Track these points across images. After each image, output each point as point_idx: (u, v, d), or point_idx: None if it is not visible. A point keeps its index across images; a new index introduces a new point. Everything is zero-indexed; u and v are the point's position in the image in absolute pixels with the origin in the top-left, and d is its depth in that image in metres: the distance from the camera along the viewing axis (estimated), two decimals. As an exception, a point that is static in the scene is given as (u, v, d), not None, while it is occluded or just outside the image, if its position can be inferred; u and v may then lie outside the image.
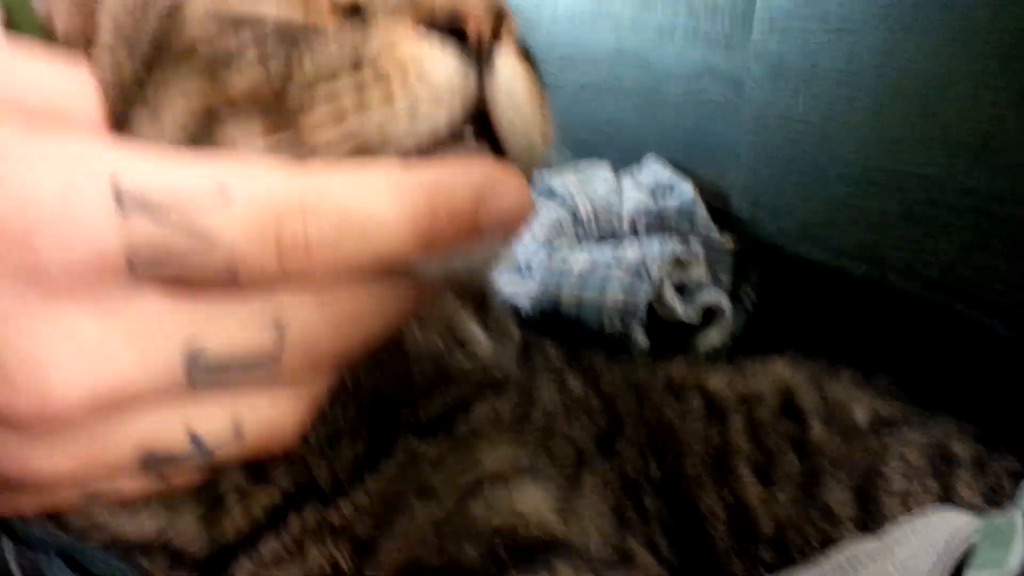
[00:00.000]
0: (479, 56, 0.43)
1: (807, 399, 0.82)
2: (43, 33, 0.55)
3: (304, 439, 0.51)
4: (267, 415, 0.42)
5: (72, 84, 0.43)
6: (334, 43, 0.44)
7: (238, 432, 0.41)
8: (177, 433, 0.39)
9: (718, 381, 0.84)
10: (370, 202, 0.38)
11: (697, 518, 0.73)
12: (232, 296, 0.38)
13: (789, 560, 0.72)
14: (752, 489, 0.75)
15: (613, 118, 1.34)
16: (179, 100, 0.46)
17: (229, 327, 0.38)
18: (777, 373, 0.86)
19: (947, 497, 0.74)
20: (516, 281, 1.03)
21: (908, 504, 0.74)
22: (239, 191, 0.36)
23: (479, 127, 0.43)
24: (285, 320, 0.39)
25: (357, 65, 0.42)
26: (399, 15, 0.44)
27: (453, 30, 0.43)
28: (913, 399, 0.83)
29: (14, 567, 0.52)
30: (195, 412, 0.39)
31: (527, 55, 0.58)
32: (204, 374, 0.38)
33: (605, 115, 1.35)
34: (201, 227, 0.35)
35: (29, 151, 0.34)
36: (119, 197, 0.34)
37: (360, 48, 0.43)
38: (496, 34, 0.44)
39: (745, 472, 0.75)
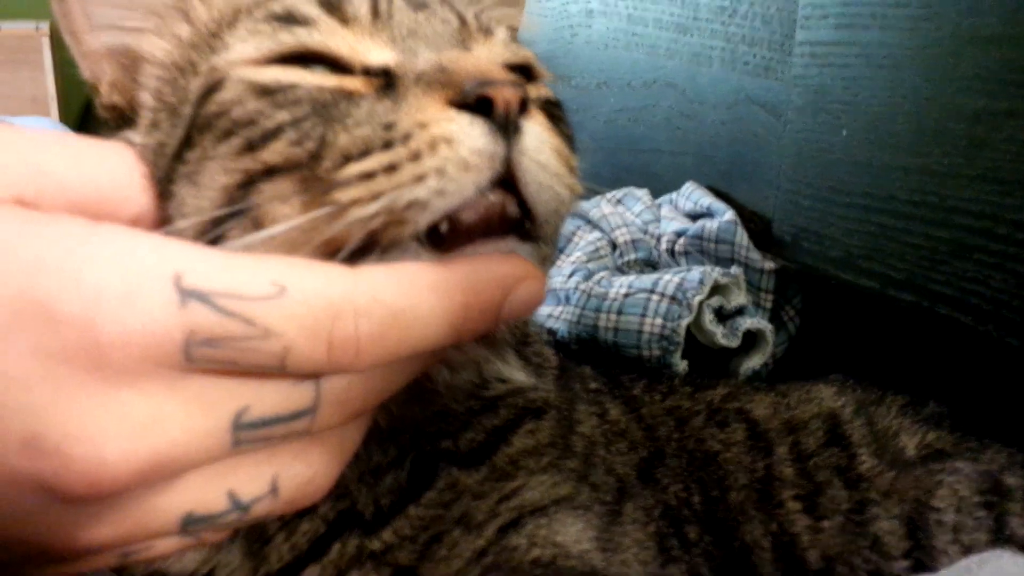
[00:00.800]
0: (507, 127, 0.44)
1: (854, 428, 0.81)
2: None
3: (345, 472, 0.51)
4: (302, 471, 0.43)
5: (122, 169, 0.45)
6: (367, 121, 0.46)
7: (275, 489, 0.42)
8: (218, 495, 0.40)
9: (762, 409, 0.83)
10: (415, 302, 0.41)
11: (742, 549, 0.72)
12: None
13: (838, 593, 0.70)
14: (798, 520, 0.73)
15: (650, 144, 1.33)
16: (220, 173, 0.48)
17: (271, 390, 0.40)
18: (822, 400, 0.85)
19: (999, 529, 0.72)
20: (553, 306, 1.02)
21: (959, 537, 0.72)
22: (295, 287, 0.38)
23: (507, 188, 0.45)
24: (322, 378, 0.41)
25: (389, 144, 0.44)
26: (429, 90, 0.46)
27: (481, 105, 0.44)
28: (962, 428, 0.81)
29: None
30: (234, 473, 0.41)
31: (556, 110, 0.59)
32: (247, 435, 0.39)
33: (641, 141, 1.35)
34: (256, 317, 0.37)
35: (96, 245, 0.36)
36: (181, 289, 0.36)
37: (392, 127, 0.45)
38: (523, 106, 0.45)
39: (791, 502, 0.74)
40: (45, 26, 4.13)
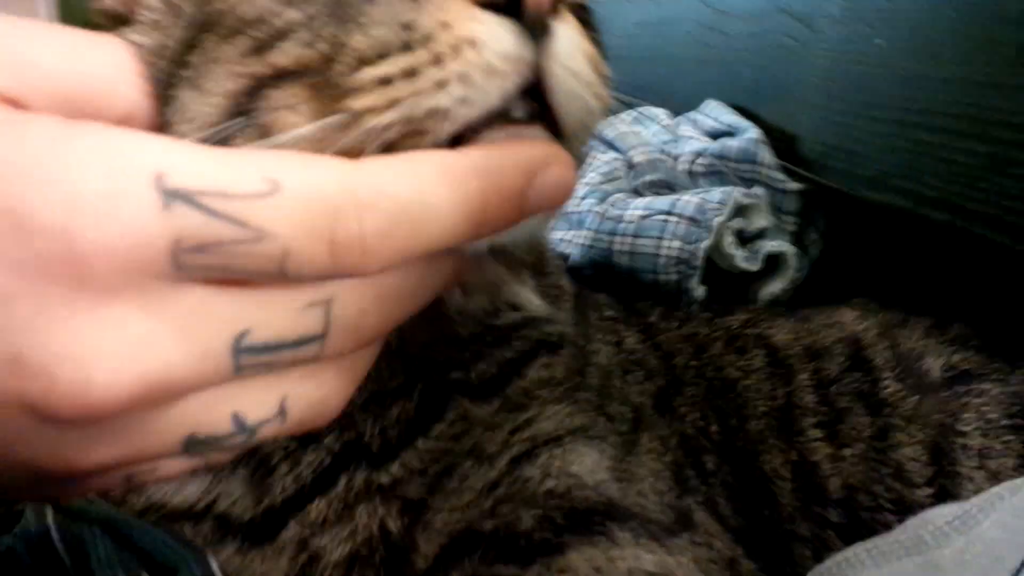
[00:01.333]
0: (536, 30, 0.41)
1: (877, 352, 0.78)
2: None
3: (352, 399, 0.50)
4: (311, 393, 0.40)
5: (114, 62, 0.42)
6: (384, 20, 0.42)
7: (282, 412, 0.39)
8: (221, 416, 0.38)
9: (783, 335, 0.81)
10: (424, 193, 0.37)
11: (761, 479, 0.70)
12: (279, 286, 0.37)
13: (859, 522, 0.69)
14: (819, 448, 0.72)
15: (670, 59, 1.28)
16: (225, 78, 0.45)
17: (276, 312, 0.37)
18: (845, 324, 0.82)
19: (1029, 454, 0.70)
20: (565, 231, 0.99)
21: (986, 463, 0.70)
22: (290, 183, 0.35)
23: (533, 96, 0.41)
24: (331, 300, 0.38)
25: (408, 47, 0.41)
26: None
27: (510, 5, 0.40)
28: (991, 351, 0.78)
29: (56, 537, 0.52)
30: (239, 395, 0.38)
31: (585, 14, 0.55)
32: (250, 360, 0.36)
33: (662, 55, 1.30)
34: (249, 218, 0.34)
35: (71, 147, 0.33)
36: (163, 190, 0.33)
37: (412, 27, 0.41)
38: (555, 7, 0.41)
39: (812, 430, 0.72)
40: None
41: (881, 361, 0.77)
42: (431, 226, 0.37)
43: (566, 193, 0.42)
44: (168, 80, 0.46)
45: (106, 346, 0.33)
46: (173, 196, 0.33)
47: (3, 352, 0.32)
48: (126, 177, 0.33)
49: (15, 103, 0.36)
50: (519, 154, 0.40)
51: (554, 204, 0.42)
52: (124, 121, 0.42)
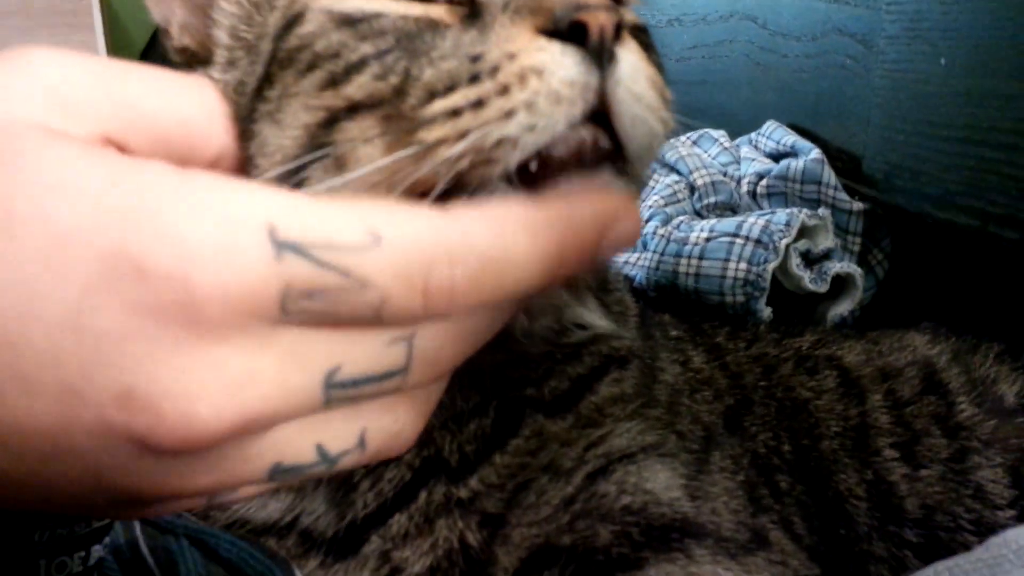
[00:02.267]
0: (600, 56, 0.42)
1: (951, 376, 0.78)
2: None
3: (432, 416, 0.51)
4: (389, 425, 0.42)
5: (205, 104, 0.44)
6: (452, 53, 0.44)
7: (362, 443, 0.41)
8: (306, 447, 0.40)
9: (853, 356, 0.80)
10: (510, 245, 0.39)
11: (835, 499, 0.69)
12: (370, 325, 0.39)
13: (937, 542, 0.68)
14: (896, 468, 0.71)
15: (726, 81, 1.28)
16: (301, 111, 0.46)
17: (364, 349, 0.38)
18: (916, 347, 0.82)
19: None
20: (630, 252, 1.00)
21: (1068, 487, 0.69)
22: (390, 235, 0.36)
23: (598, 121, 0.43)
24: (413, 336, 0.39)
25: (475, 78, 0.42)
26: (518, 17, 0.43)
27: (574, 33, 0.42)
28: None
29: (144, 549, 0.54)
30: (323, 427, 0.40)
31: (645, 36, 0.56)
32: (339, 394, 0.38)
33: (717, 78, 1.30)
34: (353, 268, 0.36)
35: (187, 196, 0.35)
36: (275, 241, 0.35)
37: (479, 59, 0.43)
38: (618, 33, 0.42)
39: (887, 450, 0.71)
40: None
41: (956, 385, 0.77)
42: (513, 276, 0.39)
43: (632, 242, 0.44)
44: (248, 115, 0.48)
45: (211, 382, 0.34)
46: (284, 247, 0.35)
47: (115, 387, 0.34)
48: (240, 228, 0.34)
49: (119, 146, 0.39)
50: (594, 208, 0.42)
51: (621, 252, 0.43)
52: (216, 161, 0.44)
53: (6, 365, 0.33)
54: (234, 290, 0.34)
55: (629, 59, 0.43)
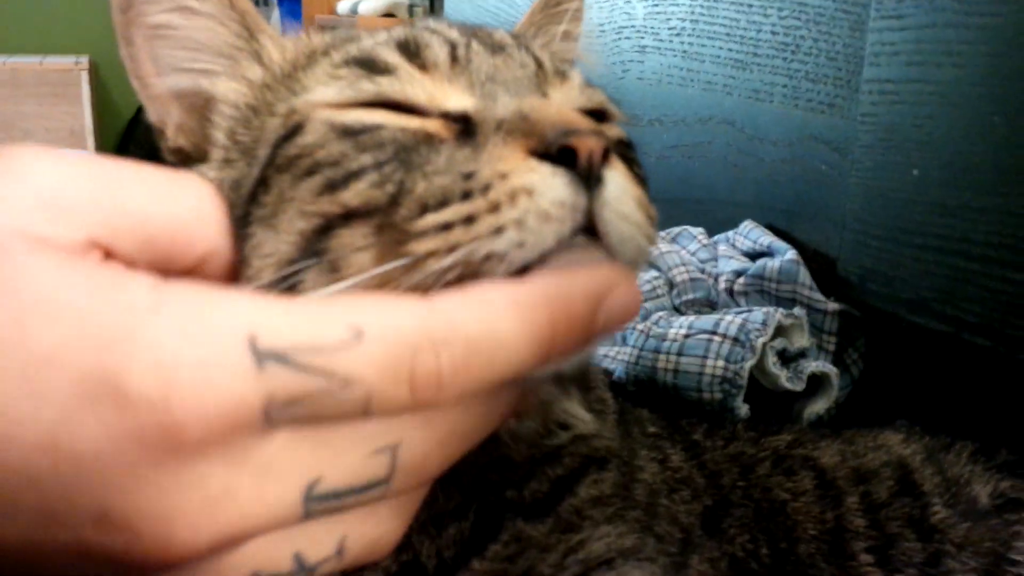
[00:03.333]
0: (588, 178, 0.43)
1: (925, 477, 0.78)
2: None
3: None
4: (369, 533, 0.42)
5: (197, 203, 0.45)
6: (446, 169, 0.45)
7: (340, 551, 0.41)
8: (284, 557, 0.39)
9: (829, 456, 0.80)
10: (496, 325, 0.39)
11: (813, 604, 0.69)
12: (353, 427, 0.38)
13: (914, 651, 0.67)
14: (871, 573, 0.70)
15: (705, 181, 1.32)
16: (297, 217, 0.47)
17: (346, 458, 0.38)
18: (891, 447, 0.82)
19: (1083, 585, 0.69)
20: (609, 346, 1.01)
21: (1041, 593, 0.69)
22: (372, 329, 0.37)
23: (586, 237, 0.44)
24: (398, 445, 0.39)
25: (467, 195, 0.43)
26: (510, 138, 0.45)
27: (564, 156, 0.43)
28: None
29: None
30: (302, 538, 0.39)
31: (628, 151, 0.58)
32: (319, 506, 0.38)
33: (696, 178, 1.34)
34: (336, 368, 0.36)
35: (165, 313, 0.35)
36: (257, 351, 0.35)
37: (472, 177, 0.44)
38: (605, 157, 0.44)
39: (863, 555, 0.71)
40: (84, 60, 4.28)
41: (930, 487, 0.77)
42: (503, 357, 0.39)
43: (633, 313, 0.44)
44: (243, 217, 0.49)
45: (189, 502, 0.34)
46: (266, 356, 0.35)
47: (92, 509, 0.33)
48: (220, 342, 0.34)
49: (104, 249, 0.39)
50: (585, 280, 0.42)
51: (622, 325, 0.44)
52: (205, 260, 0.45)
53: None
54: (215, 409, 0.34)
55: (616, 180, 0.45)
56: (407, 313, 0.38)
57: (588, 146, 0.43)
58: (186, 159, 0.58)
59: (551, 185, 0.43)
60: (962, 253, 0.78)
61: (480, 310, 0.39)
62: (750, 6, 1.18)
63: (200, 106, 0.58)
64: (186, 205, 0.44)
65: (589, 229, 0.44)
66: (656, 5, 1.43)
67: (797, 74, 1.08)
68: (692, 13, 1.33)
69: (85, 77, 4.24)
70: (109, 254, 0.39)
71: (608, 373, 0.98)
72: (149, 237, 0.41)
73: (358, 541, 0.41)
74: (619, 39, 1.56)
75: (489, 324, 0.39)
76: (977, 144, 0.75)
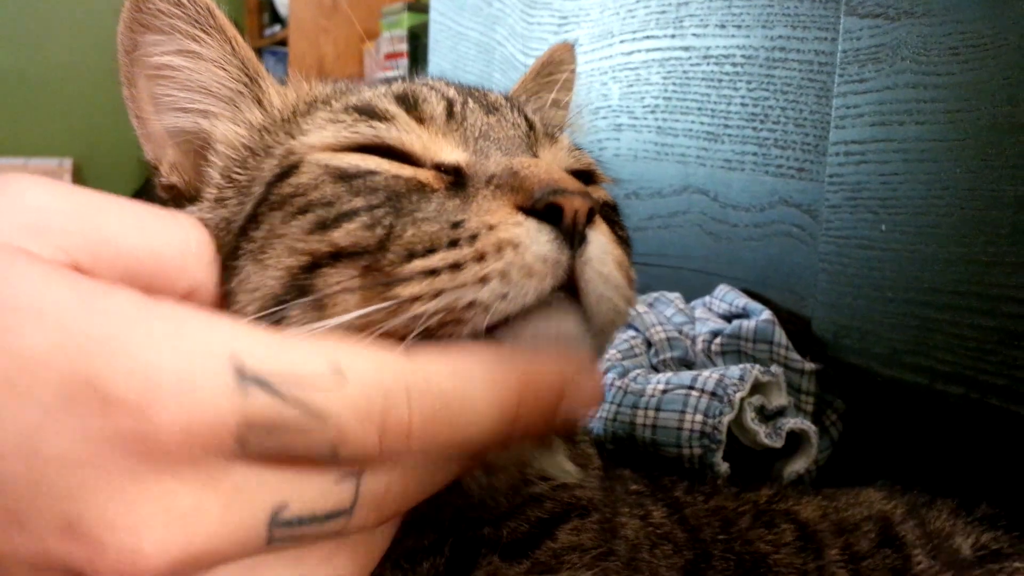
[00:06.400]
0: (573, 237, 0.45)
1: (907, 529, 0.77)
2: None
3: (384, 554, 0.50)
4: (330, 568, 0.42)
5: (182, 241, 0.45)
6: (435, 218, 0.47)
7: None
8: None
9: (810, 511, 0.80)
10: (468, 391, 0.40)
11: (798, 656, 0.67)
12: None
13: None
14: (856, 625, 0.69)
15: (681, 249, 1.34)
16: (286, 254, 0.49)
17: (311, 486, 0.39)
18: (872, 503, 0.82)
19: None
20: (589, 407, 1.00)
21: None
22: (352, 373, 0.38)
23: (567, 293, 0.45)
24: (362, 475, 0.40)
25: (454, 243, 0.45)
26: (499, 192, 0.47)
27: (550, 213, 0.45)
28: (1019, 529, 0.77)
29: None
30: (261, 568, 0.39)
31: (613, 213, 0.60)
32: (282, 533, 0.38)
33: (672, 247, 1.36)
34: (314, 404, 0.36)
35: (152, 325, 0.35)
36: (240, 374, 0.35)
37: (459, 226, 0.46)
38: (590, 217, 0.46)
39: (847, 606, 0.70)
40: (68, 162, 4.35)
41: (912, 539, 0.76)
42: (469, 422, 0.40)
43: (595, 404, 0.47)
44: (231, 252, 0.50)
45: (157, 517, 0.34)
46: (249, 379, 0.35)
47: (60, 516, 0.33)
48: (207, 359, 0.35)
49: (80, 270, 0.39)
50: (555, 367, 0.44)
51: (583, 415, 0.47)
52: (188, 295, 0.45)
53: None
54: (195, 422, 0.34)
55: (599, 240, 0.46)
56: (389, 363, 0.39)
57: (574, 205, 0.45)
58: (178, 196, 0.59)
59: (536, 240, 0.44)
60: (931, 304, 0.79)
61: (456, 371, 0.40)
62: (720, 81, 1.22)
63: (197, 145, 0.59)
64: (171, 241, 0.45)
65: (570, 286, 0.45)
66: (631, 86, 1.48)
67: (767, 142, 1.11)
68: (665, 91, 1.38)
69: (68, 179, 4.30)
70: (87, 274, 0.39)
71: (587, 431, 0.97)
72: (130, 268, 0.41)
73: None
74: (596, 119, 1.61)
75: (463, 389, 0.40)
76: (941, 197, 0.77)
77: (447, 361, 0.41)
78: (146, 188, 0.62)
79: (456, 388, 0.40)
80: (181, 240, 0.45)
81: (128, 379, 0.33)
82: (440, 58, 2.11)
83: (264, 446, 0.36)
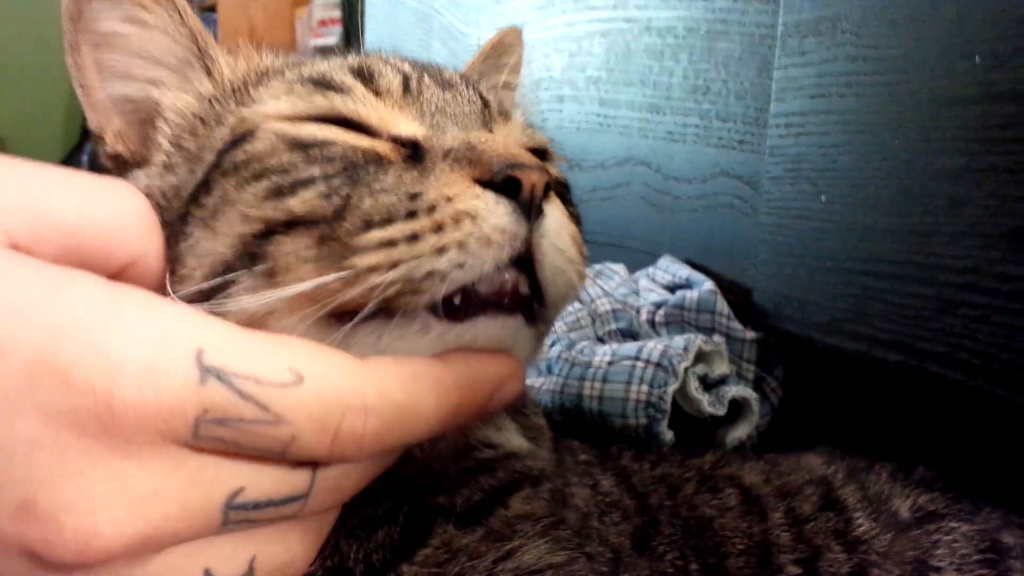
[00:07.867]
0: (530, 210, 0.46)
1: (847, 492, 0.80)
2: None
3: (338, 522, 0.50)
4: (279, 555, 0.43)
5: (122, 209, 0.45)
6: (392, 189, 0.47)
7: (251, 571, 0.42)
8: (194, 571, 0.40)
9: (754, 476, 0.82)
10: (419, 402, 0.43)
11: (744, 617, 0.69)
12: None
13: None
14: (800, 585, 0.71)
15: (623, 221, 1.35)
16: (238, 221, 0.48)
17: (269, 473, 0.40)
18: (813, 468, 0.84)
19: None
20: (536, 377, 1.01)
21: (963, 597, 0.71)
22: (311, 379, 0.39)
23: (522, 267, 0.47)
24: (318, 465, 0.42)
25: (412, 214, 0.45)
26: (457, 166, 0.47)
27: (508, 186, 0.46)
28: (955, 490, 0.80)
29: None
30: (213, 552, 0.40)
31: (564, 191, 0.61)
32: (237, 516, 0.39)
33: (615, 218, 1.37)
34: (271, 403, 0.38)
35: (118, 313, 0.36)
36: (202, 365, 0.36)
37: (417, 197, 0.46)
38: (546, 192, 0.47)
39: (791, 567, 0.72)
40: None
41: (852, 502, 0.79)
42: (416, 427, 0.43)
43: (515, 398, 0.50)
44: (181, 217, 0.49)
45: (114, 498, 0.35)
46: (210, 372, 0.36)
47: (16, 496, 0.34)
48: (170, 347, 0.36)
49: (26, 251, 0.38)
50: (491, 370, 0.47)
51: (504, 408, 0.52)
52: (130, 265, 0.44)
53: None
54: (153, 407, 0.35)
55: (555, 215, 0.47)
56: (349, 371, 0.41)
57: (531, 179, 0.45)
58: (123, 165, 0.58)
59: (494, 212, 0.45)
60: (871, 273, 0.81)
61: (410, 386, 0.42)
62: (662, 53, 1.23)
63: (144, 115, 0.58)
64: (109, 211, 0.44)
65: (526, 260, 0.46)
66: (573, 56, 1.48)
67: (708, 114, 1.12)
68: (607, 63, 1.38)
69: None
70: (30, 256, 0.39)
71: (537, 404, 0.97)
72: (69, 244, 0.41)
73: (268, 562, 0.42)
74: (538, 90, 1.60)
75: (414, 401, 0.42)
76: (880, 169, 0.79)
77: (402, 374, 0.42)
78: (70, 161, 0.61)
79: (409, 402, 0.42)
80: (119, 210, 0.44)
81: (93, 362, 0.34)
82: (378, 24, 2.08)
83: (217, 437, 0.37)
